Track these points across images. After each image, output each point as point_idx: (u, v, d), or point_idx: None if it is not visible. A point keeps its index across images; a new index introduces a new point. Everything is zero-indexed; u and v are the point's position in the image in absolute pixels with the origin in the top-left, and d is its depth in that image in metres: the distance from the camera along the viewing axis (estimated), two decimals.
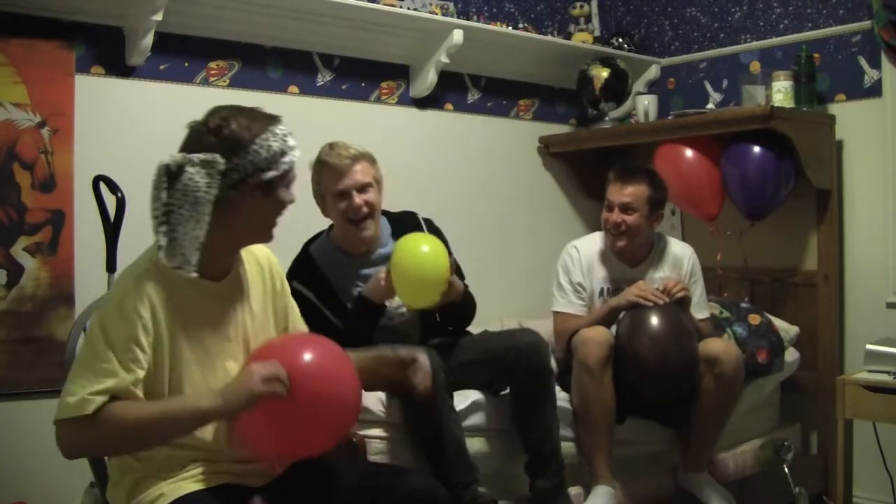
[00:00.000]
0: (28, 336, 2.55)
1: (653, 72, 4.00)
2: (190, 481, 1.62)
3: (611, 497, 2.50)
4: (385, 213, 2.57)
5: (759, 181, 3.18)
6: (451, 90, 3.61)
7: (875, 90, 3.28)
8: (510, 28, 3.62)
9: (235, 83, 3.03)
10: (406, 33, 3.35)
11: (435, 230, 2.62)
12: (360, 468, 1.88)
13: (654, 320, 2.59)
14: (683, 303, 2.71)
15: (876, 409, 2.71)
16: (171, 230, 1.55)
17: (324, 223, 2.58)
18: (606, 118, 3.78)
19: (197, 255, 1.57)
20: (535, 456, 2.40)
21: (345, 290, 2.45)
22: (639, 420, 2.75)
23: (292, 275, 2.37)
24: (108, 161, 2.60)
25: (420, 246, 2.32)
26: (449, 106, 3.62)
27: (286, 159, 1.66)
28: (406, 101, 3.48)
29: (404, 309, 2.49)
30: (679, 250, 2.92)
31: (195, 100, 2.91)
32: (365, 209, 2.42)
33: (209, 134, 1.64)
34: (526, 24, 3.77)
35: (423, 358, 2.00)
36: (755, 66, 3.62)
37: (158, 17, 2.64)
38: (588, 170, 3.98)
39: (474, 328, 2.66)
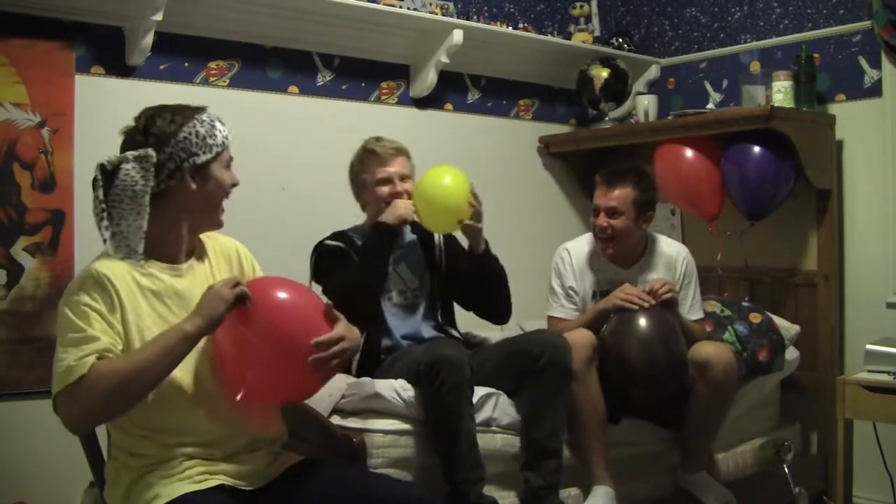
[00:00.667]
0: (28, 336, 2.55)
1: (653, 72, 4.00)
2: (186, 482, 1.62)
3: (610, 497, 2.50)
4: None
5: (759, 181, 3.18)
6: (451, 90, 3.61)
7: (875, 90, 3.28)
8: (510, 28, 3.63)
9: (235, 83, 3.03)
10: (406, 33, 3.35)
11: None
12: (356, 475, 1.87)
13: (641, 323, 2.59)
14: (671, 304, 2.69)
15: (876, 409, 2.72)
16: (115, 223, 1.66)
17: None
18: (606, 118, 3.78)
19: (142, 244, 1.67)
20: (537, 452, 2.39)
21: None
22: (634, 420, 2.75)
23: (326, 239, 2.62)
24: None
25: (438, 173, 2.58)
26: (449, 106, 3.62)
27: (215, 141, 1.75)
28: (406, 101, 3.48)
29: (417, 283, 2.66)
30: (672, 251, 2.91)
31: (195, 100, 2.84)
32: (405, 196, 2.62)
33: (138, 133, 1.74)
34: (526, 24, 3.77)
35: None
36: (755, 66, 3.62)
37: (158, 17, 2.64)
38: (588, 170, 3.95)
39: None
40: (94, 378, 1.52)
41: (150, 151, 1.68)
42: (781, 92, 3.24)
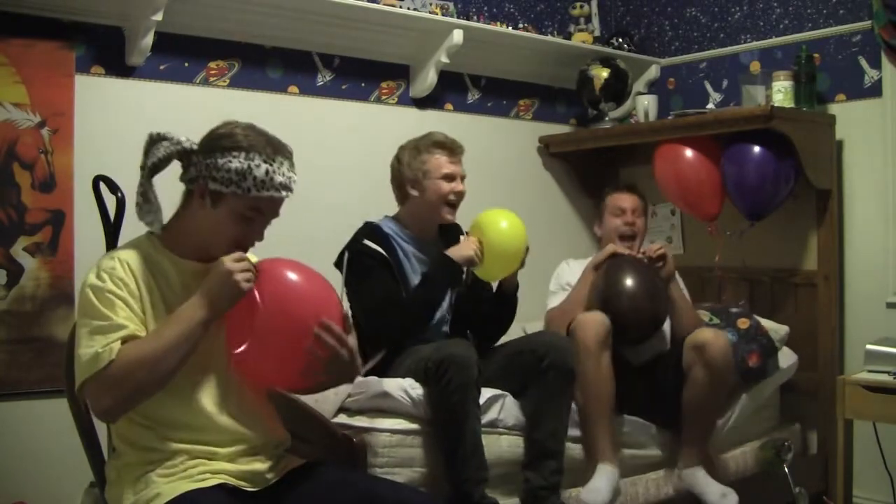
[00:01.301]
0: (28, 336, 2.55)
1: (653, 72, 4.00)
2: (187, 481, 1.62)
3: (613, 476, 2.52)
4: None
5: (759, 181, 3.18)
6: (451, 90, 3.61)
7: (875, 90, 3.28)
8: (510, 28, 3.62)
9: (235, 83, 3.03)
10: (406, 33, 3.35)
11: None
12: (358, 479, 1.87)
13: (627, 279, 2.77)
14: (665, 264, 2.88)
15: (876, 409, 2.72)
16: (144, 190, 1.70)
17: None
18: (606, 118, 3.78)
19: (157, 217, 1.70)
20: (538, 452, 2.40)
21: (401, 263, 2.55)
22: (638, 422, 2.77)
23: (361, 236, 2.53)
24: (108, 161, 2.59)
25: (503, 219, 2.56)
26: (449, 106, 3.62)
27: (244, 183, 1.67)
28: (406, 101, 3.48)
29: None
30: None
31: (195, 100, 2.93)
32: (462, 197, 2.63)
33: (211, 131, 1.75)
34: (526, 24, 3.77)
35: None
36: (755, 66, 3.62)
37: (158, 17, 2.64)
38: (588, 170, 3.98)
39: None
40: (122, 363, 1.56)
41: (192, 145, 1.71)
42: (781, 92, 3.24)
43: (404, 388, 2.34)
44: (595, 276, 2.89)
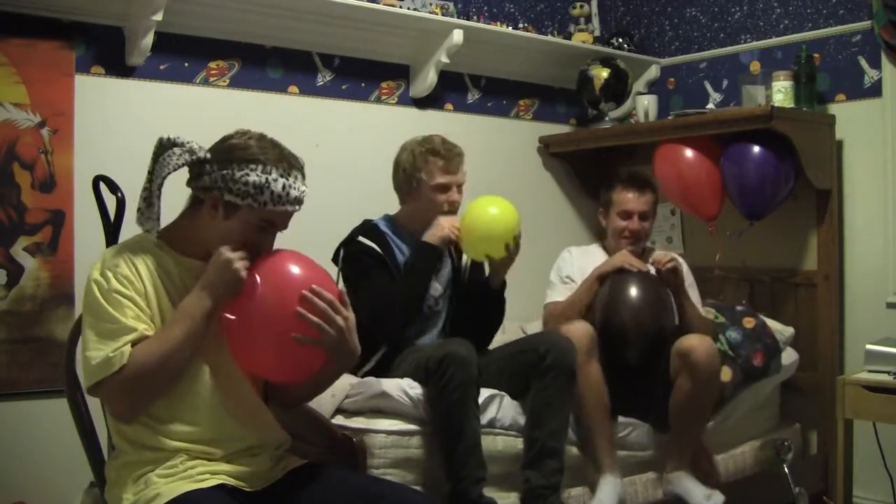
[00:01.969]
0: (28, 336, 2.55)
1: (653, 72, 4.00)
2: (187, 481, 1.62)
3: (618, 486, 2.53)
4: None
5: (759, 181, 3.18)
6: (451, 90, 3.61)
7: (875, 90, 3.28)
8: (510, 28, 3.62)
9: (235, 83, 3.03)
10: (406, 33, 3.35)
11: None
12: (358, 480, 1.87)
13: (632, 291, 2.72)
14: (676, 277, 2.80)
15: (876, 409, 2.71)
16: (149, 195, 1.69)
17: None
18: (606, 118, 3.78)
19: (155, 223, 1.70)
20: (539, 451, 2.39)
21: (398, 262, 2.56)
22: (635, 425, 2.77)
23: (357, 234, 2.56)
24: (108, 161, 2.59)
25: (492, 199, 2.56)
26: (449, 106, 3.62)
27: (259, 198, 1.68)
28: (406, 101, 3.48)
29: (441, 291, 2.61)
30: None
31: (195, 100, 2.92)
32: (458, 206, 2.60)
33: (223, 139, 1.75)
34: (526, 24, 3.77)
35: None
36: (755, 66, 3.62)
37: (158, 17, 2.64)
38: (588, 170, 3.98)
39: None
40: (134, 366, 1.58)
41: (206, 154, 1.70)
42: (781, 92, 3.24)
43: (403, 388, 2.34)
44: (601, 290, 2.82)
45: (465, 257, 2.72)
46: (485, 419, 2.41)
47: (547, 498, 2.36)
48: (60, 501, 2.49)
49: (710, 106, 3.72)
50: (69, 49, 2.66)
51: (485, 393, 2.41)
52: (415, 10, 3.27)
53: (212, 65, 2.98)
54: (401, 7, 3.23)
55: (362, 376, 2.47)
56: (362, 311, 2.39)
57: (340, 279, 2.51)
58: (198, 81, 2.96)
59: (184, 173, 1.75)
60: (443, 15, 3.36)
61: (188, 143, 1.70)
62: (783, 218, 3.35)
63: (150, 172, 1.71)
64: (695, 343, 2.67)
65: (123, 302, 1.63)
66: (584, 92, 3.73)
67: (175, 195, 1.79)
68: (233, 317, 1.67)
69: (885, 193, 3.25)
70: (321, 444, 2.21)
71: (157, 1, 2.61)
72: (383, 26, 3.27)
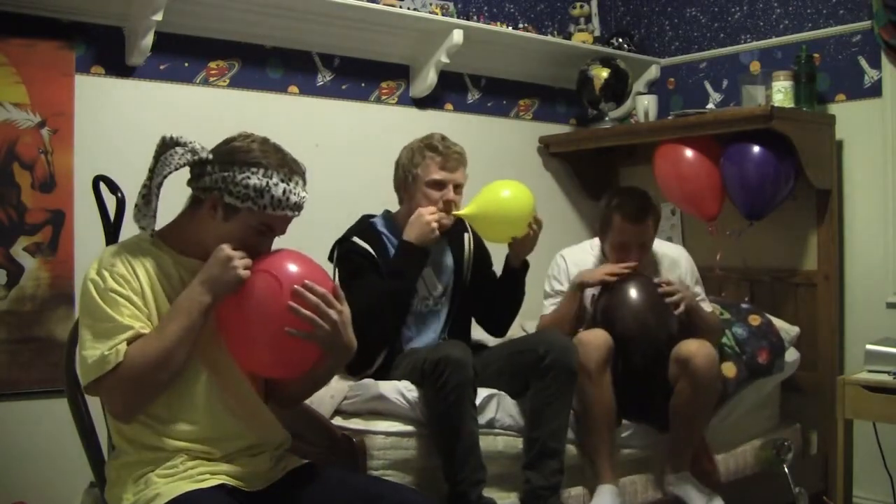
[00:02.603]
0: (28, 336, 2.55)
1: (653, 72, 4.00)
2: (187, 481, 1.62)
3: (615, 495, 2.53)
4: None
5: (759, 181, 3.18)
6: (451, 90, 3.61)
7: (875, 90, 3.28)
8: (510, 28, 3.62)
9: (235, 83, 3.03)
10: (406, 33, 3.35)
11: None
12: (358, 480, 1.87)
13: (632, 294, 2.68)
14: (689, 310, 2.72)
15: (876, 409, 2.71)
16: (148, 193, 1.69)
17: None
18: (606, 118, 3.78)
19: (152, 221, 1.70)
20: (539, 452, 2.39)
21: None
22: (636, 425, 2.76)
23: (352, 233, 2.53)
24: (108, 161, 2.59)
25: (504, 182, 2.57)
26: (449, 106, 3.62)
27: (259, 202, 1.68)
28: (406, 101, 3.48)
29: (441, 289, 2.60)
30: (674, 253, 2.98)
31: (195, 100, 2.93)
32: (453, 206, 2.55)
33: (225, 142, 1.76)
34: (526, 24, 3.77)
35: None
36: (755, 66, 3.62)
37: (158, 17, 2.64)
38: (588, 170, 3.98)
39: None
40: (130, 364, 1.58)
41: (208, 155, 1.70)
42: (781, 92, 3.24)
43: (400, 390, 2.34)
44: (602, 296, 2.76)
45: (466, 253, 2.71)
46: (484, 419, 2.40)
47: (547, 498, 2.36)
48: (60, 501, 2.50)
49: (710, 106, 3.72)
50: (69, 49, 2.66)
51: (484, 393, 2.41)
52: (415, 10, 3.27)
53: (212, 65, 2.98)
54: (401, 7, 3.23)
55: (360, 379, 2.47)
56: (352, 311, 2.38)
57: (336, 276, 2.50)
58: (198, 81, 2.96)
59: (185, 173, 1.75)
60: (443, 15, 3.36)
61: (191, 142, 1.70)
62: (783, 218, 3.35)
63: (151, 170, 1.71)
64: (694, 349, 2.64)
65: (119, 301, 1.63)
66: (584, 92, 3.73)
67: (175, 195, 1.79)
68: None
69: (885, 193, 3.25)
70: (321, 444, 2.21)
71: (157, 1, 2.61)
72: (383, 26, 3.27)
